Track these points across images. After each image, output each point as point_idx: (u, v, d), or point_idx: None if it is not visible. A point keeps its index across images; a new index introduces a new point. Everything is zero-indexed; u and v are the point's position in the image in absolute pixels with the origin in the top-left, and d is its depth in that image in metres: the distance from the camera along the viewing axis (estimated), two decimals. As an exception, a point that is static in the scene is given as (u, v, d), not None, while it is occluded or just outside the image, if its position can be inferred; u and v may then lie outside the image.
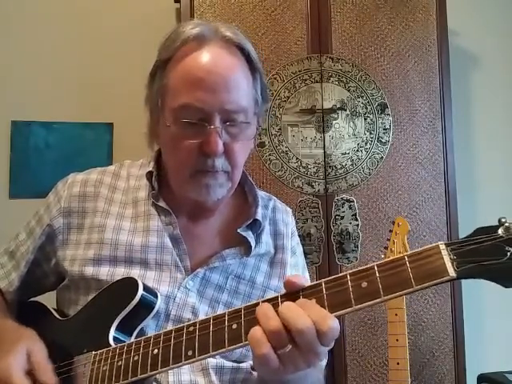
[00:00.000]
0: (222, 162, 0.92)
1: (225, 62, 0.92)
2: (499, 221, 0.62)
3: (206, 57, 0.91)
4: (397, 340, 1.56)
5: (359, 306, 0.66)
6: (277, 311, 0.68)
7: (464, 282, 1.95)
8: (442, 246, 0.64)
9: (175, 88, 0.92)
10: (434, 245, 0.65)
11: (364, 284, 0.66)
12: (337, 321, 0.66)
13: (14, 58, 2.31)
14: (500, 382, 1.91)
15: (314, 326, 0.65)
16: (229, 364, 0.93)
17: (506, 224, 0.61)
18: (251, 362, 0.95)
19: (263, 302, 0.72)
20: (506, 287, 0.60)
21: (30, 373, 0.81)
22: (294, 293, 0.71)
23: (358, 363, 1.94)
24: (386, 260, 0.67)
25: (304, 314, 0.66)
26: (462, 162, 2.36)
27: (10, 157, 2.26)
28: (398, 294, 0.64)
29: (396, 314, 1.58)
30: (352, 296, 0.66)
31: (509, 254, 0.60)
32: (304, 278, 0.74)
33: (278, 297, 0.72)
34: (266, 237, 1.05)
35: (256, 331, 0.67)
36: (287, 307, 0.68)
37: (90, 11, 2.39)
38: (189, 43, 0.92)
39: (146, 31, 2.29)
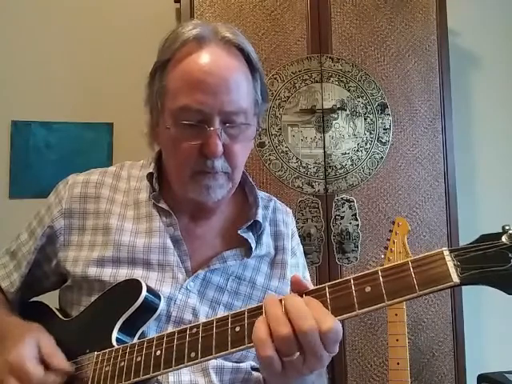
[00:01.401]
0: (222, 163, 0.92)
1: (224, 63, 0.91)
2: (503, 228, 0.62)
3: (205, 58, 0.91)
4: (397, 340, 1.56)
5: (363, 310, 0.66)
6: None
7: (464, 281, 1.95)
8: (446, 252, 0.64)
9: (175, 89, 0.91)
10: (437, 250, 0.65)
11: (368, 288, 0.66)
12: (338, 323, 0.66)
13: (14, 58, 2.31)
14: (500, 382, 1.92)
15: (317, 327, 0.65)
16: (229, 364, 0.93)
17: (510, 231, 0.61)
18: (251, 363, 0.96)
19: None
20: (510, 294, 0.61)
21: (42, 361, 0.83)
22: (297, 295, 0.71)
23: (358, 363, 1.94)
24: (390, 265, 0.67)
25: (309, 314, 0.66)
26: (462, 162, 2.36)
27: (10, 157, 2.26)
28: (401, 298, 0.65)
29: (396, 314, 1.58)
30: (356, 300, 0.66)
31: None
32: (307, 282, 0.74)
33: (281, 300, 0.71)
34: (267, 238, 1.05)
35: (261, 331, 0.67)
36: (293, 306, 0.67)
37: (90, 11, 2.38)
38: (188, 44, 0.92)
39: (145, 31, 2.28)
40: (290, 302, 0.68)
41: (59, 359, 0.84)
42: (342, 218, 1.97)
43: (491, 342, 2.48)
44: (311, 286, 0.73)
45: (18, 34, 2.31)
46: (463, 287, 2.03)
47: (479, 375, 2.02)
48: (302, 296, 0.70)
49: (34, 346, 0.83)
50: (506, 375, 1.94)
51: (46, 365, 0.83)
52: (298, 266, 1.11)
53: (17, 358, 0.80)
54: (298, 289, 0.72)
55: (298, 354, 0.66)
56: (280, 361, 0.66)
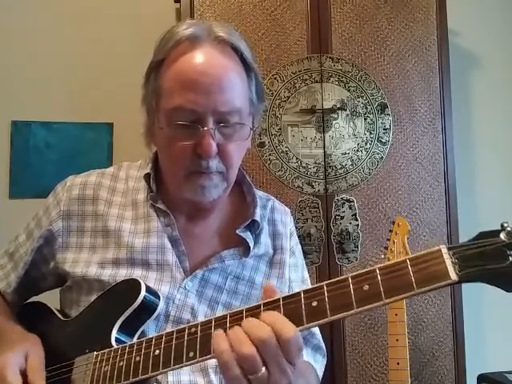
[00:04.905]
0: (217, 163, 0.92)
1: (218, 62, 0.91)
2: (501, 225, 0.62)
3: (198, 58, 0.90)
4: (397, 340, 1.56)
5: (361, 308, 0.65)
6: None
7: (464, 282, 1.95)
8: (444, 250, 0.64)
9: (168, 90, 0.91)
10: (435, 248, 0.64)
11: (366, 287, 0.66)
12: (297, 331, 0.66)
13: (14, 58, 2.31)
14: (500, 382, 1.91)
15: (274, 334, 0.65)
16: None
17: (508, 229, 0.61)
18: None
19: (246, 310, 0.71)
20: (508, 291, 0.60)
21: (24, 373, 0.83)
22: (275, 301, 0.71)
23: (358, 363, 1.94)
24: (388, 263, 0.67)
25: (263, 324, 0.66)
26: (462, 162, 2.36)
27: (10, 157, 2.26)
28: (399, 297, 0.64)
29: (396, 314, 1.58)
30: (354, 299, 0.66)
31: (511, 258, 0.60)
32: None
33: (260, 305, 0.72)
34: (265, 237, 1.05)
35: (226, 354, 0.66)
36: (249, 320, 0.68)
37: (90, 11, 2.39)
38: (182, 44, 0.92)
39: (146, 31, 2.28)
40: (247, 322, 0.68)
41: (37, 377, 0.84)
42: (342, 217, 1.97)
43: (491, 342, 2.48)
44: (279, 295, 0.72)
45: (18, 34, 2.32)
46: (463, 286, 2.03)
47: (479, 375, 2.02)
48: (278, 301, 0.70)
49: (21, 356, 0.84)
50: (506, 375, 1.94)
51: (26, 378, 0.83)
52: (297, 266, 1.11)
53: (1, 362, 0.82)
54: (269, 296, 0.72)
55: (263, 370, 0.65)
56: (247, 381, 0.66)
